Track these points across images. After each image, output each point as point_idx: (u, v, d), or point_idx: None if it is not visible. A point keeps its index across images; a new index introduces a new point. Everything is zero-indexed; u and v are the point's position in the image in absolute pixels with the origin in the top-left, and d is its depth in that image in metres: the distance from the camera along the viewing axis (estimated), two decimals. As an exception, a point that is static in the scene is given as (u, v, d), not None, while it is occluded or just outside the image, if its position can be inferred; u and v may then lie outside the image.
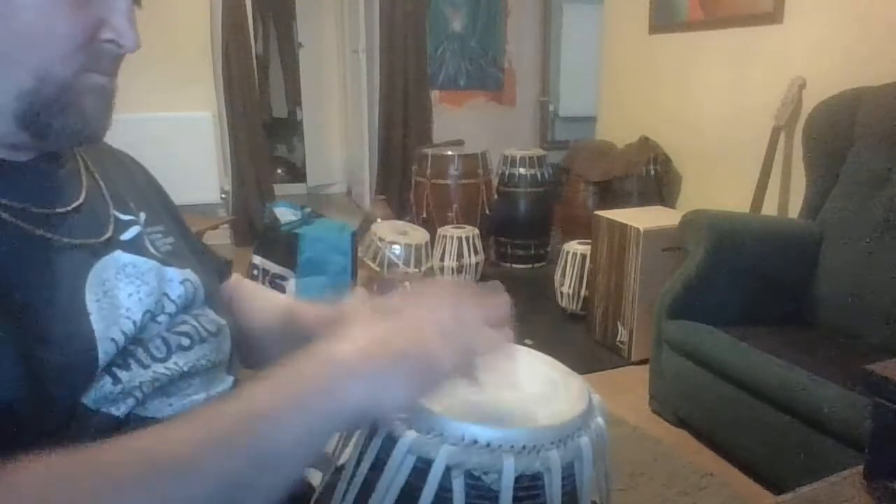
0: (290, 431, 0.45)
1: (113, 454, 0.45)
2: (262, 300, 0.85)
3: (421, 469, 0.49)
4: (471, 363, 0.51)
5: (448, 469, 0.48)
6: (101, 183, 0.69)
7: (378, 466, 0.51)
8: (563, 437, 0.51)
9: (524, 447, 0.48)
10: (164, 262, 0.68)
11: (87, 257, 0.61)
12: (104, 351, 0.56)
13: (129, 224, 0.68)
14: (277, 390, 0.47)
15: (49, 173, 0.63)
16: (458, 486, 0.48)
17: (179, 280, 0.68)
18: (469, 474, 0.48)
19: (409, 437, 0.48)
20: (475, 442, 0.48)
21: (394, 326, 0.50)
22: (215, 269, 0.83)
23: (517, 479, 0.48)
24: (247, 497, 0.45)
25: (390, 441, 0.50)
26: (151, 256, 0.67)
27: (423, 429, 0.49)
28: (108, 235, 0.64)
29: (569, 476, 0.51)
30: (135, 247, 0.66)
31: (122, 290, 0.61)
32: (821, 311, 2.10)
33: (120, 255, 0.64)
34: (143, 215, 0.71)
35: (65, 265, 0.58)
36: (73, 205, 0.63)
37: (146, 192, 0.77)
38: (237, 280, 0.88)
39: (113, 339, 0.57)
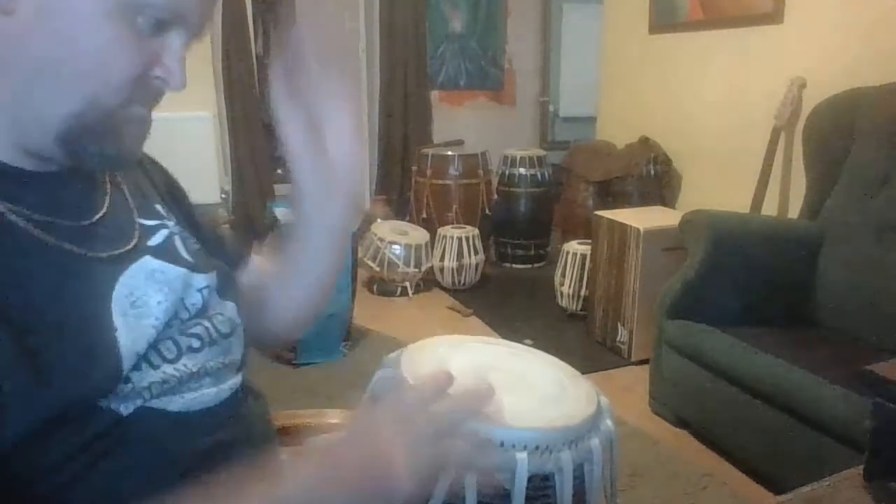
0: None
1: None
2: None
3: (435, 468, 0.49)
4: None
5: (462, 467, 0.48)
6: (126, 191, 0.69)
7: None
8: (575, 438, 0.51)
9: (537, 447, 0.49)
10: (194, 268, 0.68)
11: (113, 269, 0.61)
12: (128, 365, 0.57)
13: (156, 228, 0.68)
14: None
15: (73, 185, 0.63)
16: (471, 484, 0.48)
17: (199, 287, 0.68)
18: (482, 473, 0.48)
19: (423, 436, 0.49)
20: (489, 441, 0.48)
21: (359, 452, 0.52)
22: (234, 258, 0.84)
23: (529, 479, 0.48)
24: None
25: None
26: (183, 262, 0.67)
27: None
28: (133, 243, 0.64)
29: (579, 477, 0.52)
30: (164, 252, 0.67)
31: (152, 298, 0.62)
32: (821, 311, 2.10)
33: (149, 261, 0.64)
34: (173, 217, 0.71)
35: (91, 280, 0.59)
36: (97, 216, 0.63)
37: (166, 193, 0.77)
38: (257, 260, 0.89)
39: (137, 353, 0.58)
